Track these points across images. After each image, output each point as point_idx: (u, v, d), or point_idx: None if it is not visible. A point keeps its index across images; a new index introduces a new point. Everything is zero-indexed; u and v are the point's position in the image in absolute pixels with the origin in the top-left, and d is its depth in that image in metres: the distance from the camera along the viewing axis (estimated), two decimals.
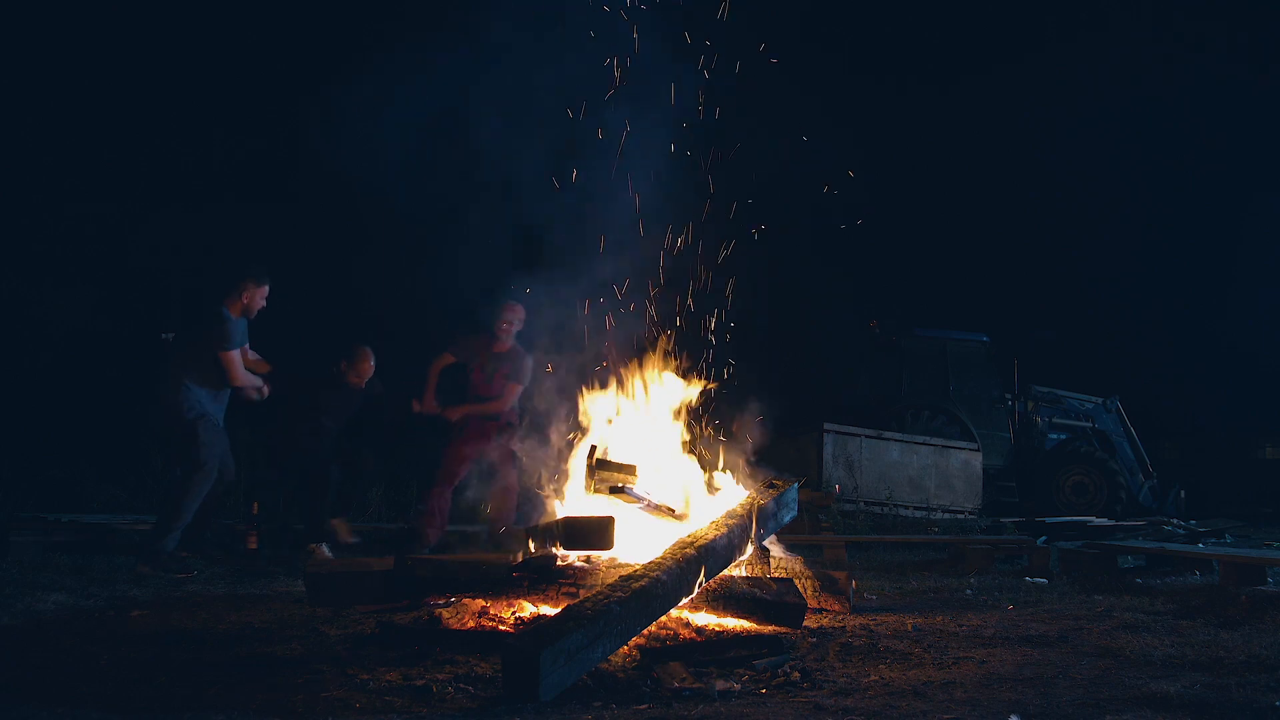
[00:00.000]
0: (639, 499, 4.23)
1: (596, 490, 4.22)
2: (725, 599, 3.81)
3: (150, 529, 5.89)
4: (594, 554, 3.95)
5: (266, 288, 6.20)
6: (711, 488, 4.63)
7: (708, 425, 5.14)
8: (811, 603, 4.28)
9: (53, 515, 6.75)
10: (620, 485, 4.21)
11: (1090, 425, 13.43)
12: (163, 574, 5.54)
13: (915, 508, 11.26)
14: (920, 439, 11.78)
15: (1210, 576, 5.49)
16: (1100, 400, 13.61)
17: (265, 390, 6.20)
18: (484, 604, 3.80)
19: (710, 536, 3.77)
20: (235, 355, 5.97)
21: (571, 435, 4.85)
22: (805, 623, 3.88)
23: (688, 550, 3.60)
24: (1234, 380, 18.25)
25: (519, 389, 6.67)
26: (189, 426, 5.88)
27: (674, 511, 4.34)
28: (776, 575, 4.27)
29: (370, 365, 6.83)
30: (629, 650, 3.24)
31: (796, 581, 4.06)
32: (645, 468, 4.43)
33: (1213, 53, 19.54)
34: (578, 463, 4.49)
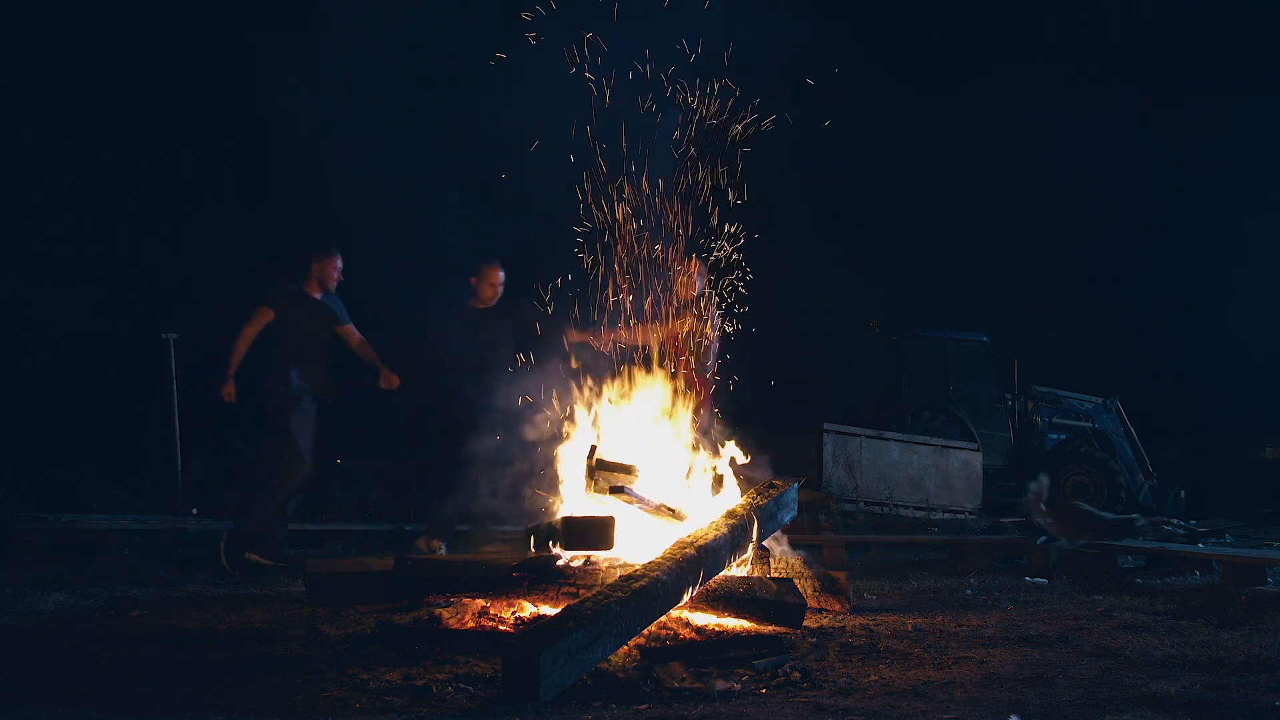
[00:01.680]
0: (639, 499, 4.23)
1: (596, 490, 4.21)
2: (725, 599, 3.81)
3: (241, 517, 5.98)
4: (594, 554, 3.96)
5: (337, 258, 6.15)
6: (711, 488, 4.63)
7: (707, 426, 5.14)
8: (811, 603, 4.28)
9: (53, 515, 6.75)
10: (620, 485, 4.21)
11: (1090, 425, 13.42)
12: (276, 560, 5.73)
13: (915, 508, 11.26)
14: (920, 439, 11.78)
15: (1210, 576, 5.49)
16: (1100, 400, 13.61)
17: (229, 389, 5.96)
18: (484, 604, 3.80)
19: (710, 536, 3.77)
20: (259, 312, 6.00)
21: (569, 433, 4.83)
22: (805, 623, 3.88)
23: (688, 550, 3.60)
24: (1234, 380, 18.23)
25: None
26: (280, 411, 5.96)
27: (674, 511, 4.34)
28: (776, 575, 4.27)
29: (499, 279, 6.22)
30: (629, 650, 3.24)
31: (796, 581, 4.06)
32: (645, 468, 4.42)
33: (1213, 53, 19.55)
34: (578, 462, 4.48)
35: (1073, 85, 19.39)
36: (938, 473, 11.51)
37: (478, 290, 6.33)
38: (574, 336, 5.94)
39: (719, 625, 3.75)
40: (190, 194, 11.15)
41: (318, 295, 6.15)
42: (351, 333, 6.27)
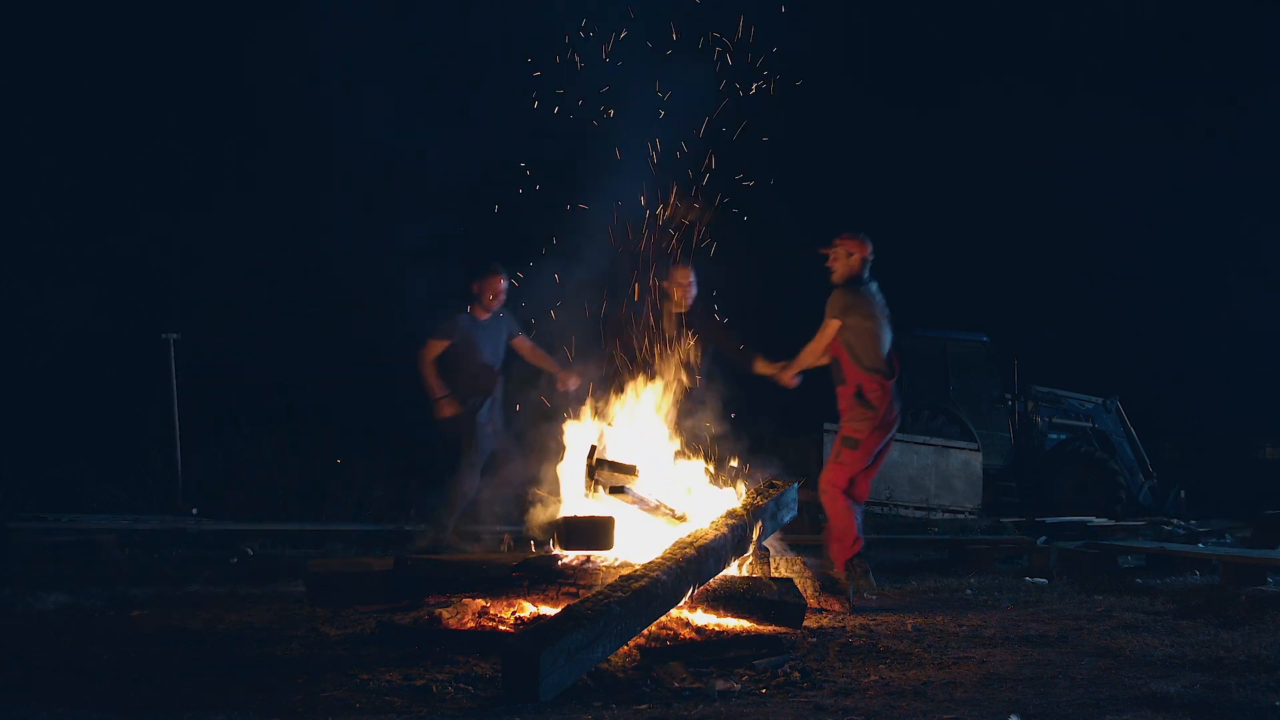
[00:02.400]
0: (639, 499, 4.23)
1: (596, 490, 4.21)
2: (725, 599, 3.81)
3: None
4: (594, 554, 3.96)
5: (494, 277, 6.19)
6: (711, 488, 4.63)
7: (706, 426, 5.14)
8: (811, 603, 4.28)
9: (53, 515, 6.75)
10: (620, 485, 4.21)
11: (1090, 425, 13.41)
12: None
13: (915, 508, 11.26)
14: (920, 439, 11.77)
15: (1210, 576, 5.49)
16: (1100, 400, 13.59)
17: (445, 406, 6.12)
18: (484, 604, 3.81)
19: (710, 537, 3.77)
20: (430, 345, 6.16)
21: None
22: (805, 623, 3.88)
23: (688, 550, 3.60)
24: (1234, 380, 18.22)
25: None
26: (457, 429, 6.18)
27: (674, 512, 4.34)
28: (776, 575, 4.27)
29: (691, 281, 5.96)
30: (629, 650, 3.24)
31: (796, 581, 4.06)
32: (645, 468, 4.42)
33: (1214, 52, 19.55)
34: (578, 462, 4.48)
35: (1073, 85, 19.39)
36: (938, 473, 11.51)
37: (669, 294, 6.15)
38: (765, 369, 5.69)
39: (719, 625, 3.75)
40: (190, 194, 11.15)
41: (484, 317, 6.23)
42: (522, 343, 6.34)
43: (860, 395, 5.29)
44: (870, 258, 5.46)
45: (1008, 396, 13.08)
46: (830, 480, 5.30)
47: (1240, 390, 17.71)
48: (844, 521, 5.27)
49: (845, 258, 5.43)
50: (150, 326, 8.37)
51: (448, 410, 6.13)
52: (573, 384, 6.04)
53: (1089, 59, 19.52)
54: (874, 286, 5.46)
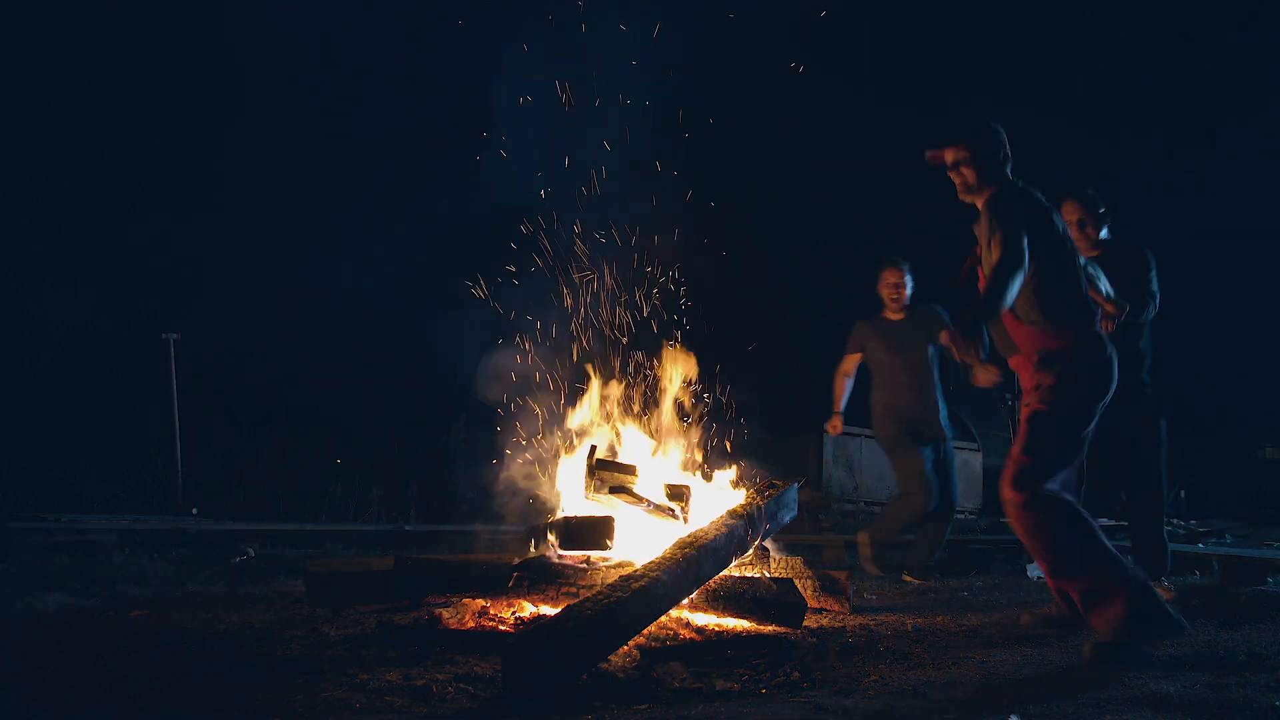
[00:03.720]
0: (639, 499, 4.23)
1: (596, 490, 4.22)
2: (725, 599, 3.81)
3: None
4: (594, 554, 3.96)
5: (888, 270, 6.02)
6: (711, 488, 4.63)
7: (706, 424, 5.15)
8: (811, 603, 4.29)
9: (53, 515, 6.76)
10: (620, 485, 4.21)
11: None
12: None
13: None
14: None
15: (1210, 576, 5.49)
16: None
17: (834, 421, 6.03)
18: (484, 604, 3.81)
19: (710, 536, 3.77)
20: (843, 361, 6.15)
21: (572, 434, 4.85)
22: (805, 623, 3.88)
23: (687, 550, 3.60)
24: (1234, 380, 18.24)
25: None
26: (890, 451, 6.01)
27: (674, 512, 4.34)
28: (776, 575, 4.27)
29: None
30: (629, 650, 3.24)
31: (796, 581, 4.07)
32: (645, 468, 4.43)
33: (1213, 50, 19.55)
34: (578, 462, 4.49)
35: (1070, 81, 19.40)
36: None
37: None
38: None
39: (719, 625, 3.75)
40: (190, 194, 11.16)
41: (896, 318, 6.01)
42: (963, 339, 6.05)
43: (1045, 360, 3.72)
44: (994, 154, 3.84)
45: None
46: (1006, 479, 3.50)
47: (1240, 391, 17.72)
48: (1041, 536, 3.44)
49: (957, 170, 3.87)
50: (150, 326, 8.39)
51: (833, 426, 6.11)
52: (992, 379, 5.50)
53: (1088, 57, 19.52)
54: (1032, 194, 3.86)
